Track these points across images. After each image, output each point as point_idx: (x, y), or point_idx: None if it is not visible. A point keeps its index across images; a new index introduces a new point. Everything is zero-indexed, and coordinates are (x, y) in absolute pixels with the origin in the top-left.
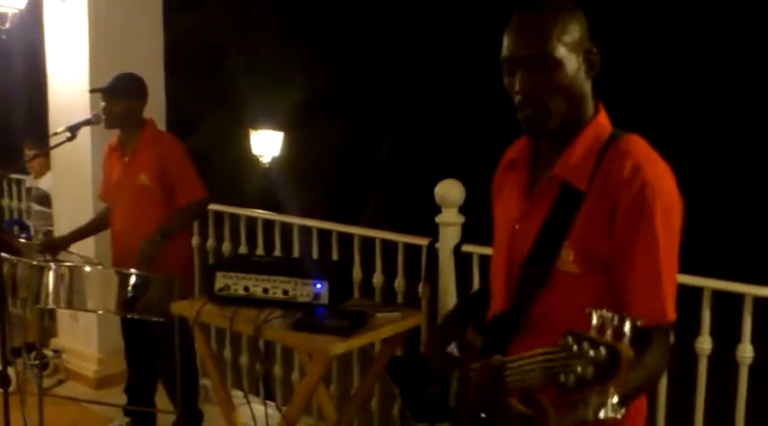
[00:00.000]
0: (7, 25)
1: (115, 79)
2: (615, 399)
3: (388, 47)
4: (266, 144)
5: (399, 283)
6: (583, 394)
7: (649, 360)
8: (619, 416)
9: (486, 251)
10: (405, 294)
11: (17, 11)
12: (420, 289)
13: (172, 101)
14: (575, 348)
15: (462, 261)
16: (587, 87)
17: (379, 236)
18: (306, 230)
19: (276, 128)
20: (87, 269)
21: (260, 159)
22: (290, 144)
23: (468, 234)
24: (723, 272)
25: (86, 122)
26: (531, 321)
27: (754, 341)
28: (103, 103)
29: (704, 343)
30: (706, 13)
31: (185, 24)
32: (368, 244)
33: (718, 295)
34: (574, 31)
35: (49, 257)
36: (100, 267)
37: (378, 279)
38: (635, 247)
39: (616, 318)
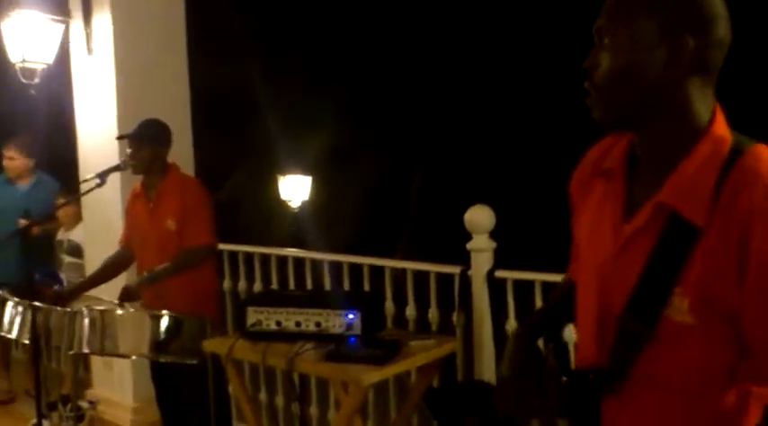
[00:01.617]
0: (36, 80)
1: (140, 125)
2: None
3: (411, 89)
4: (295, 189)
5: (433, 314)
6: None
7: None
8: None
9: (520, 275)
10: (439, 325)
11: (45, 66)
12: (454, 318)
13: (200, 149)
14: None
15: (496, 287)
16: (690, 87)
17: (411, 267)
18: (337, 268)
19: (304, 172)
20: (119, 312)
21: (289, 204)
22: (318, 188)
23: (501, 259)
24: None
25: (115, 168)
26: (631, 379)
27: None
28: (129, 150)
29: None
30: None
31: (212, 72)
32: (399, 276)
33: None
34: (673, 11)
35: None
36: (132, 310)
37: (411, 311)
38: None
39: None
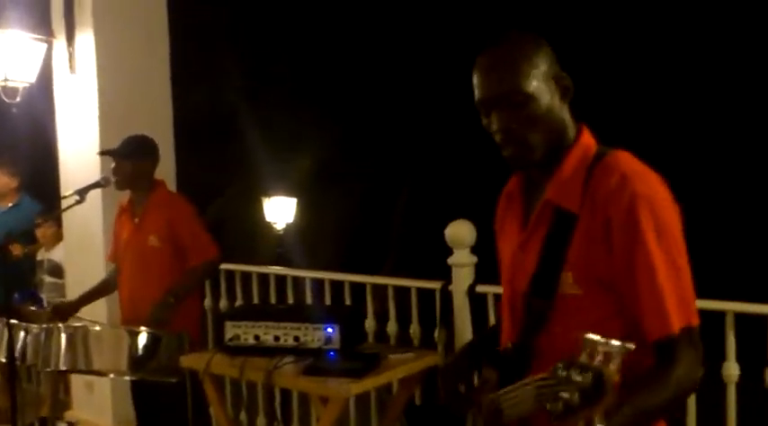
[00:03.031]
0: (18, 99)
1: (124, 141)
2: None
3: (394, 110)
4: (280, 210)
5: (415, 330)
6: (570, 420)
7: (668, 376)
8: None
9: (501, 290)
10: (421, 341)
11: (27, 84)
12: (436, 334)
13: (183, 170)
14: (563, 374)
15: (477, 302)
16: (565, 113)
17: (392, 283)
18: (319, 286)
19: (289, 194)
20: (97, 328)
21: (274, 226)
22: (303, 210)
23: (482, 274)
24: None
25: (95, 185)
26: (542, 350)
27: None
28: (113, 165)
29: (730, 369)
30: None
31: (195, 94)
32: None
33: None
34: (540, 62)
35: (59, 323)
36: (109, 327)
37: (392, 326)
38: (632, 262)
39: (605, 342)
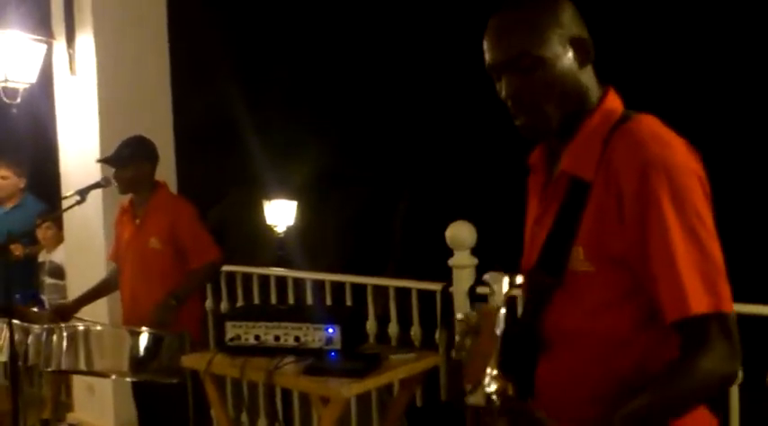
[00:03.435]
0: (18, 100)
1: (122, 145)
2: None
3: (394, 114)
4: (280, 213)
5: (416, 331)
6: None
7: (693, 366)
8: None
9: None
10: (422, 343)
11: (27, 85)
12: (437, 336)
13: (186, 174)
14: (460, 321)
15: (479, 303)
16: (585, 77)
17: (393, 284)
18: (320, 287)
19: (290, 197)
20: (98, 328)
21: (274, 229)
22: (303, 213)
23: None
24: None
25: (96, 185)
26: (550, 331)
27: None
28: (114, 170)
29: None
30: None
31: (196, 98)
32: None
33: None
34: (553, 23)
35: (61, 323)
36: (111, 327)
37: (393, 328)
38: (646, 235)
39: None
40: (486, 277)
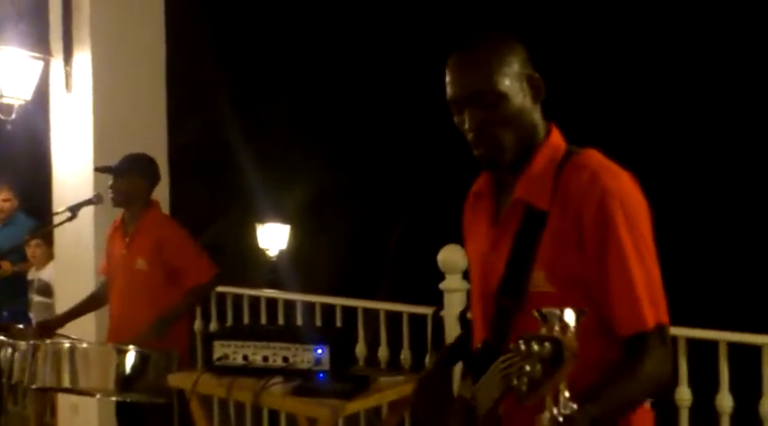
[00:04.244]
0: (13, 116)
1: (123, 158)
2: (567, 393)
3: (388, 137)
4: (273, 237)
5: (405, 355)
6: (536, 394)
7: (641, 371)
8: (569, 411)
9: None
10: (412, 367)
11: (23, 102)
12: (427, 360)
13: (179, 197)
14: (523, 348)
15: (470, 328)
16: (536, 114)
17: (384, 308)
18: (310, 309)
19: (283, 221)
20: (84, 345)
21: (267, 252)
22: (296, 236)
23: None
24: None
25: (88, 202)
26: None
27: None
28: (110, 182)
29: (723, 401)
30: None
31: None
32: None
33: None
34: (512, 62)
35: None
36: (97, 344)
37: (383, 351)
38: (605, 259)
39: (561, 311)
40: (548, 311)
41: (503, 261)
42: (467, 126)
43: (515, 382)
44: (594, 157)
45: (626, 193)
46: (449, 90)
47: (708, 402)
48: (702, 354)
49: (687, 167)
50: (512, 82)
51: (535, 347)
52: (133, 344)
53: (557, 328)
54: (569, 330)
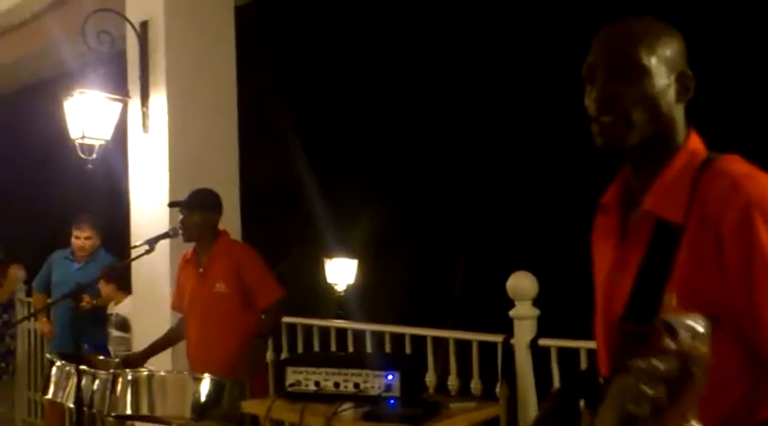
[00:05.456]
0: (94, 156)
1: (192, 193)
2: (693, 422)
3: (454, 170)
4: (341, 272)
5: (476, 385)
6: (661, 422)
7: None
8: None
9: (565, 343)
10: (482, 395)
11: (103, 142)
12: (497, 389)
13: (249, 232)
14: (643, 366)
15: (540, 356)
16: (678, 111)
17: (453, 336)
18: (379, 341)
19: (350, 256)
20: (161, 373)
21: (335, 287)
22: (364, 271)
23: (545, 327)
24: None
25: (164, 236)
26: None
27: None
28: (181, 217)
29: None
30: None
31: (263, 157)
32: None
33: None
34: (667, 47)
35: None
36: (174, 372)
37: (453, 381)
38: (752, 283)
39: (686, 316)
40: (672, 319)
41: (630, 282)
42: (595, 94)
43: (632, 408)
44: (737, 163)
45: None
46: (590, 56)
47: None
48: None
49: None
50: (659, 64)
51: (657, 364)
52: (236, 371)
53: (682, 335)
54: (699, 338)
